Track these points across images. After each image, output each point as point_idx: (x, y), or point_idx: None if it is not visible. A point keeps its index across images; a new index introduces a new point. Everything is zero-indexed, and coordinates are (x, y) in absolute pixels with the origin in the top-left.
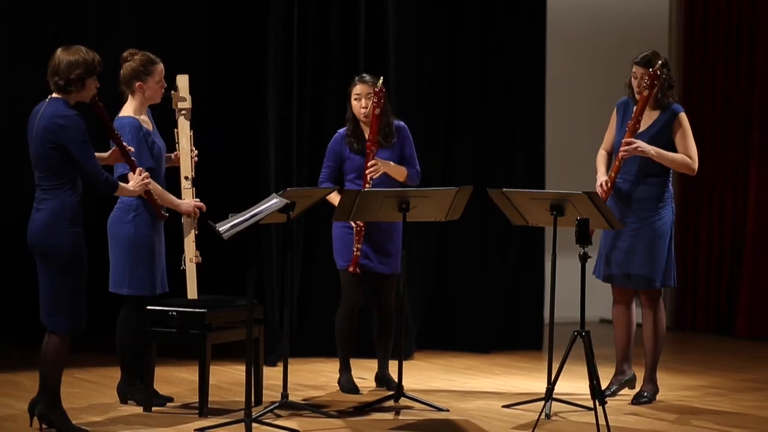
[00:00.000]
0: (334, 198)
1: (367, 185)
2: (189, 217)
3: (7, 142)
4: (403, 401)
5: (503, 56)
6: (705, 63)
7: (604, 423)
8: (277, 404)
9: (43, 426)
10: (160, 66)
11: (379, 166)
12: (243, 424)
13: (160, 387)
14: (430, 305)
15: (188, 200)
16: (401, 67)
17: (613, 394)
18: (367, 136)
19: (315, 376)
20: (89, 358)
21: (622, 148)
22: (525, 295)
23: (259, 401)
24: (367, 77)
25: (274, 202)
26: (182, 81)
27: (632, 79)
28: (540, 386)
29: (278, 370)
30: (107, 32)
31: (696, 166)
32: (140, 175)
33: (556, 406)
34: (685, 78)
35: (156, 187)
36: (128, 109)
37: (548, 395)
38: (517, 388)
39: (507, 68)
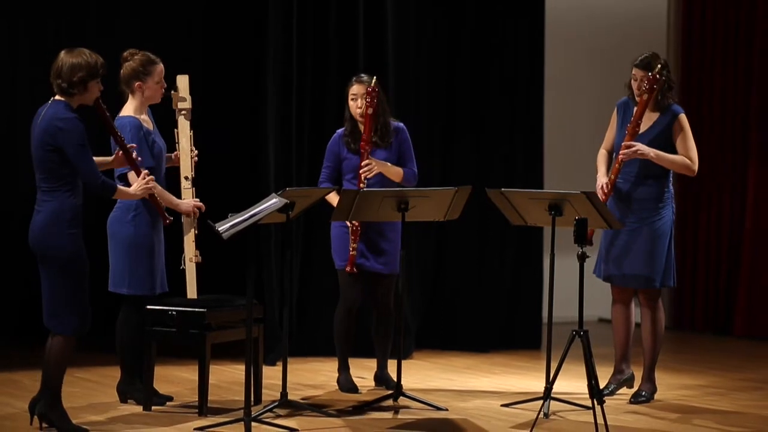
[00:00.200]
0: (333, 198)
1: (361, 185)
2: (188, 216)
3: (7, 142)
4: (402, 400)
5: (502, 56)
6: (703, 63)
7: (603, 422)
8: (276, 403)
9: (43, 425)
10: (160, 66)
11: (373, 166)
12: (242, 423)
13: (160, 386)
14: (429, 305)
15: (188, 200)
16: (400, 67)
17: (612, 393)
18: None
19: (314, 376)
20: (89, 358)
21: (621, 152)
22: (524, 295)
23: (258, 400)
24: (364, 77)
25: (273, 201)
26: (182, 81)
27: (632, 81)
28: (539, 385)
29: (277, 369)
30: (107, 32)
31: (696, 167)
32: (144, 178)
33: (554, 405)
34: (683, 79)
35: (156, 188)
36: (128, 109)
37: (547, 394)
38: (515, 387)
39: (506, 68)
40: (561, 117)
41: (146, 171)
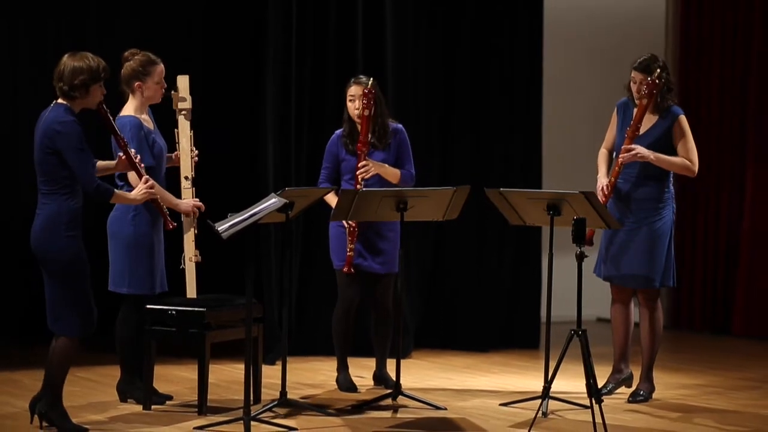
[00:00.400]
0: (331, 199)
1: (358, 186)
2: (188, 216)
3: (7, 141)
4: (401, 400)
5: (501, 56)
6: (701, 64)
7: (601, 421)
8: (275, 402)
9: (44, 424)
10: (160, 67)
11: (369, 167)
12: (242, 422)
13: (160, 385)
14: (427, 304)
15: (187, 200)
16: (399, 67)
17: (610, 392)
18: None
19: (313, 375)
20: (89, 357)
21: (621, 155)
22: (522, 294)
23: (257, 399)
24: (362, 78)
25: (272, 201)
26: (182, 81)
27: (631, 83)
28: (537, 385)
29: (277, 368)
30: (107, 32)
31: (696, 168)
32: (145, 182)
33: (553, 404)
34: (681, 79)
35: (156, 187)
36: (129, 109)
37: (545, 393)
38: (514, 386)
39: (505, 68)
40: (559, 117)
41: (147, 177)
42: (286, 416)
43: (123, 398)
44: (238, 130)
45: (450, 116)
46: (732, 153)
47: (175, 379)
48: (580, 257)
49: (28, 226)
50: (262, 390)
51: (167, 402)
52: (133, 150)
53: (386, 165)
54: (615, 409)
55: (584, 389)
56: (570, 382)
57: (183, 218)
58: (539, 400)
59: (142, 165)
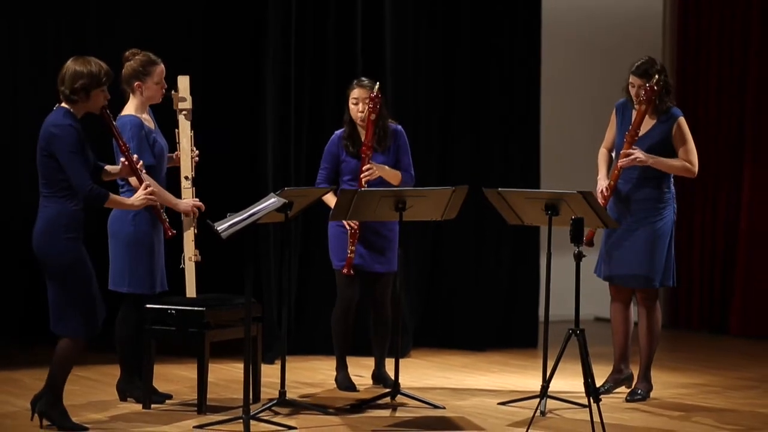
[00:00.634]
0: (330, 199)
1: (362, 188)
2: (188, 216)
3: (7, 141)
4: (399, 399)
5: (500, 56)
6: (698, 64)
7: (599, 420)
8: (274, 401)
9: (44, 423)
10: (160, 67)
11: (374, 170)
12: (241, 421)
13: (159, 384)
14: (426, 304)
15: (187, 200)
16: (398, 67)
17: (608, 391)
18: (363, 140)
19: (312, 374)
20: (89, 356)
21: (620, 160)
22: (520, 294)
23: (257, 398)
24: (365, 81)
25: (272, 201)
26: (183, 82)
27: (629, 86)
28: (535, 384)
29: (276, 367)
30: (107, 32)
31: (696, 169)
32: (145, 189)
33: (551, 403)
34: (678, 79)
35: (156, 187)
36: (129, 108)
37: (543, 393)
38: (512, 385)
39: (503, 69)
40: (558, 117)
41: (147, 183)
42: (285, 415)
43: (123, 397)
44: (238, 130)
45: (449, 116)
46: (730, 153)
47: (174, 378)
48: (578, 257)
49: (28, 226)
50: (262, 389)
51: (167, 401)
52: (135, 156)
53: (386, 167)
54: (613, 408)
55: (582, 388)
56: (568, 382)
57: (183, 218)
58: (537, 399)
59: (143, 171)
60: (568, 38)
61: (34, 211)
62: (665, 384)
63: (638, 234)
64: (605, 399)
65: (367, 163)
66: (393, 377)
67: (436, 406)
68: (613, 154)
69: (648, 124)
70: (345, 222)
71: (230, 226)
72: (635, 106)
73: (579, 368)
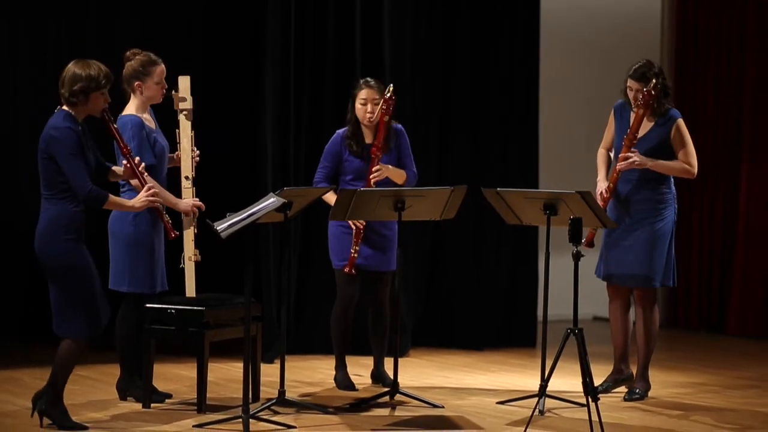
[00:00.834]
0: (331, 198)
1: (380, 188)
2: (187, 216)
3: (7, 141)
4: (398, 398)
5: (498, 57)
6: (697, 64)
7: (597, 419)
8: (274, 401)
9: (44, 422)
10: (160, 67)
11: (383, 171)
12: (240, 420)
13: (159, 384)
14: (425, 303)
15: (187, 199)
16: (397, 67)
17: (606, 390)
18: (367, 140)
19: (311, 373)
20: (89, 355)
21: (618, 163)
22: (519, 293)
23: (256, 398)
24: (372, 82)
25: (271, 201)
26: (183, 82)
27: (627, 90)
28: (534, 383)
29: (275, 367)
30: (107, 32)
31: (695, 171)
32: (147, 191)
33: (549, 402)
34: (676, 79)
35: (156, 188)
36: (130, 108)
37: (542, 392)
38: (511, 384)
39: (502, 68)
40: (556, 117)
41: (150, 185)
42: (284, 414)
43: (123, 396)
44: (238, 130)
45: (448, 116)
46: (727, 152)
47: (174, 377)
48: (577, 256)
49: (28, 227)
50: (261, 388)
51: (166, 400)
52: (137, 158)
53: (391, 167)
54: (611, 407)
55: (581, 388)
56: (566, 381)
57: (183, 218)
58: (536, 399)
59: (145, 173)
60: (567, 38)
61: (34, 211)
62: (663, 383)
63: (638, 234)
64: (603, 398)
65: (377, 163)
66: (392, 376)
67: (435, 406)
68: (612, 154)
69: (646, 126)
70: (351, 222)
71: (230, 225)
72: (633, 109)
73: (577, 368)
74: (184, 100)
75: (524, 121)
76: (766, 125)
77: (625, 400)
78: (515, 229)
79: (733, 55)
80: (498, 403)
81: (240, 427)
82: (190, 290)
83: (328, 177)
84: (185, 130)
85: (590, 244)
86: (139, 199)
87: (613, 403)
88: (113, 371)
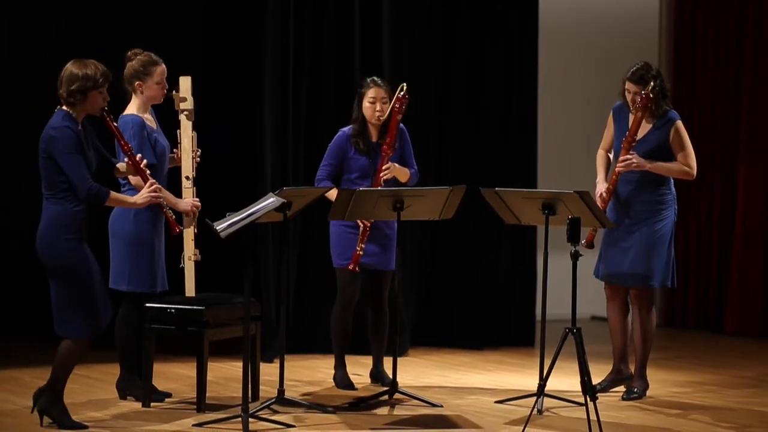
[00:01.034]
0: (334, 194)
1: (379, 188)
2: (188, 215)
3: (7, 141)
4: (397, 397)
5: (497, 57)
6: (695, 65)
7: (595, 418)
8: (273, 400)
9: (44, 421)
10: (161, 67)
11: (391, 170)
12: (240, 419)
13: (159, 383)
14: (424, 303)
15: (187, 199)
16: (395, 67)
17: (605, 389)
18: (373, 138)
19: (311, 373)
20: (89, 355)
21: (617, 166)
22: (518, 293)
23: (255, 397)
24: (380, 81)
25: (270, 201)
26: (184, 82)
27: (625, 92)
28: (532, 382)
29: (275, 366)
30: (107, 32)
31: (695, 172)
32: (150, 186)
33: (548, 401)
34: (674, 80)
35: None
36: (131, 108)
37: (540, 391)
38: (509, 384)
39: (501, 69)
40: (555, 117)
41: (152, 181)
42: (284, 413)
43: (122, 396)
44: (238, 130)
45: (446, 116)
46: (725, 152)
47: (174, 376)
48: (575, 256)
49: (28, 225)
50: (260, 387)
51: (166, 399)
52: (139, 156)
53: (397, 165)
54: (609, 406)
55: (579, 387)
56: (565, 380)
57: (183, 217)
58: (534, 398)
59: (147, 171)
60: (566, 39)
61: (35, 211)
62: (661, 382)
63: (638, 235)
64: (601, 397)
65: (387, 162)
66: (391, 376)
67: (433, 405)
68: (611, 156)
69: (645, 128)
70: (359, 220)
71: (229, 225)
72: (632, 111)
73: (576, 367)
74: (184, 100)
75: (523, 121)
76: (764, 126)
77: (624, 399)
78: (514, 229)
79: (730, 56)
80: (497, 402)
81: (239, 426)
82: (190, 290)
83: (330, 175)
84: (186, 130)
85: (590, 245)
86: (142, 195)
87: (611, 402)
88: (113, 370)
